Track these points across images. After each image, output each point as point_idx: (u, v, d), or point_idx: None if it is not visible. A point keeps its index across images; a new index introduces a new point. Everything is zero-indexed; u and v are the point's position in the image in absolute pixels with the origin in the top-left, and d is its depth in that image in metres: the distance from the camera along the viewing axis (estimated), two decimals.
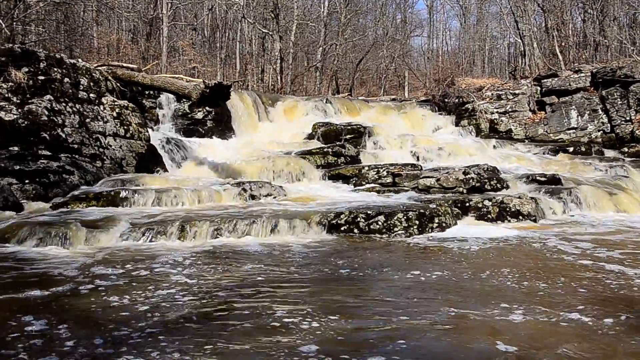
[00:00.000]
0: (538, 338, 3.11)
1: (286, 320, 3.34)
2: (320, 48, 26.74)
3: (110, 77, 11.00)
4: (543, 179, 9.79)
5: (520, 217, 7.66)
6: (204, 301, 3.73)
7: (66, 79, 9.56)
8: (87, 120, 9.60)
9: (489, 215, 7.73)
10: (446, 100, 17.78)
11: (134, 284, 4.15)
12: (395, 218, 6.74)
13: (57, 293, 3.88)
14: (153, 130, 12.00)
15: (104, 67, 11.65)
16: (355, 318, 3.40)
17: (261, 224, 6.41)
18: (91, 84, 10.15)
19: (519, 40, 23.92)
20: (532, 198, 8.11)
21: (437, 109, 17.92)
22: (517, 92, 16.88)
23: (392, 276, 4.51)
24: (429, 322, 3.33)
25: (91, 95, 10.01)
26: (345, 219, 6.72)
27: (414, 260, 5.27)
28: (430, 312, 3.52)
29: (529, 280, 4.36)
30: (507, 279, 4.42)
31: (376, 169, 10.33)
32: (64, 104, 9.25)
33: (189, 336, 3.08)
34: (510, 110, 16.73)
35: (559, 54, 19.99)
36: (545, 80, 16.67)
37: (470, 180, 9.18)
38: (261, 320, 3.35)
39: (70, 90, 9.58)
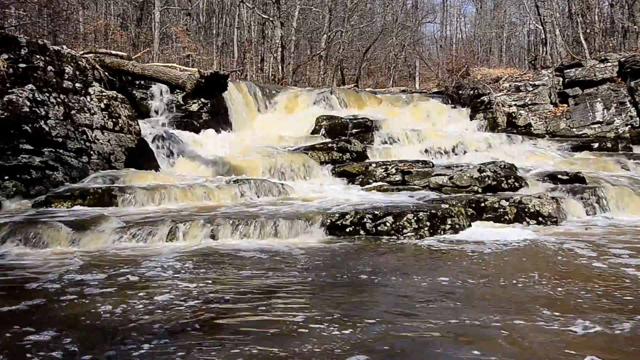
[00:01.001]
0: (562, 349, 3.09)
1: (285, 328, 3.33)
2: (325, 35, 26.72)
3: (97, 66, 11.01)
4: (565, 177, 9.75)
5: (540, 219, 7.62)
6: (196, 309, 3.71)
7: (50, 67, 9.56)
8: (73, 112, 9.60)
9: (505, 217, 7.70)
10: (460, 92, 17.75)
11: (124, 290, 4.14)
12: (405, 219, 6.72)
13: (38, 301, 3.86)
14: (144, 123, 12.00)
15: (91, 54, 11.65)
16: (360, 327, 3.38)
17: (260, 224, 6.40)
18: (77, 72, 10.15)
19: (540, 27, 23.85)
20: (552, 198, 8.08)
21: (450, 101, 17.90)
22: (537, 83, 16.83)
23: (401, 282, 4.49)
24: (441, 333, 3.31)
25: (77, 85, 10.01)
26: (350, 219, 6.71)
27: (424, 264, 5.25)
28: (443, 321, 3.50)
29: (550, 288, 4.33)
30: (527, 286, 4.39)
31: (384, 166, 10.31)
32: (47, 94, 9.25)
33: (179, 349, 3.06)
34: (529, 103, 16.68)
35: (583, 41, 19.92)
36: (568, 70, 16.62)
37: (486, 179, 9.15)
38: (259, 328, 3.33)
39: (54, 80, 9.58)
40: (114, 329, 3.32)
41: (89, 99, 10.09)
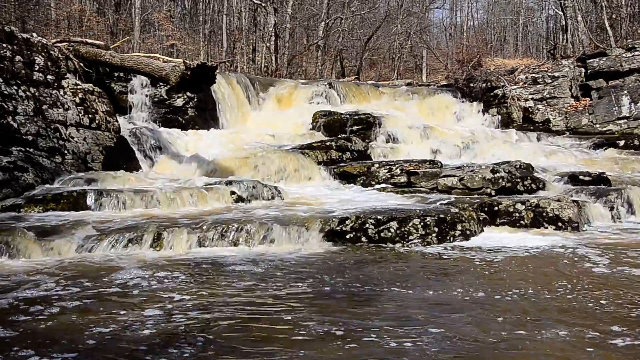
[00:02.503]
0: None
1: (282, 345, 3.35)
2: (323, 23, 26.75)
3: (71, 56, 11.02)
4: (587, 178, 9.79)
5: (560, 224, 7.65)
6: (185, 325, 3.72)
7: (18, 57, 9.57)
8: (44, 107, 9.61)
9: (521, 222, 7.73)
10: (471, 84, 17.80)
11: (104, 304, 4.13)
12: (411, 224, 6.74)
13: (11, 318, 3.86)
14: (124, 119, 12.02)
15: (64, 43, 11.66)
16: (362, 344, 3.40)
17: (252, 231, 6.42)
18: (49, 63, 10.16)
19: (560, 13, 23.92)
20: (573, 201, 8.11)
21: (460, 95, 17.95)
22: (556, 74, 16.89)
23: (405, 294, 4.50)
24: (452, 355, 3.32)
25: (49, 77, 10.03)
26: (351, 225, 6.73)
27: (432, 275, 5.26)
28: (453, 339, 3.52)
29: (571, 301, 4.36)
30: (547, 298, 4.41)
31: (388, 167, 10.34)
32: (15, 87, 9.26)
33: None
34: (548, 96, 16.74)
35: (608, 28, 19.96)
36: (592, 60, 16.68)
37: (500, 180, 9.18)
38: (255, 346, 3.35)
39: (23, 71, 9.59)
40: (98, 349, 3.33)
41: (62, 93, 10.11)
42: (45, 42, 10.53)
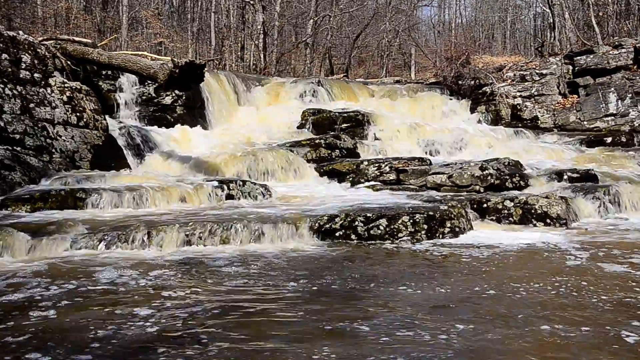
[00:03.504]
0: None
1: (270, 346, 3.35)
2: (311, 20, 26.74)
3: (59, 54, 10.96)
4: (575, 175, 9.85)
5: (548, 221, 7.71)
6: (177, 325, 3.72)
7: (4, 56, 9.51)
8: (31, 105, 9.56)
9: (510, 218, 7.78)
10: (460, 82, 17.86)
11: (91, 304, 4.12)
12: (400, 222, 6.77)
13: None
14: (112, 118, 11.97)
15: (51, 41, 11.61)
16: (352, 344, 3.40)
17: (241, 229, 6.42)
18: (35, 61, 10.11)
19: (547, 10, 24.03)
20: (562, 198, 8.17)
21: (449, 92, 18.01)
22: (544, 72, 16.97)
23: (396, 292, 4.52)
24: (443, 347, 3.34)
25: (35, 75, 9.97)
26: (340, 223, 6.74)
27: (422, 272, 5.28)
28: (445, 334, 3.54)
29: (560, 298, 4.39)
30: (538, 295, 4.44)
31: (377, 164, 10.37)
32: (1, 86, 9.21)
33: None
34: (536, 93, 16.82)
35: (595, 25, 20.08)
36: (579, 57, 16.78)
37: (489, 177, 9.23)
38: (241, 348, 3.35)
39: (10, 69, 9.53)
40: (90, 350, 3.32)
41: (49, 91, 10.05)
42: (31, 40, 10.47)
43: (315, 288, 4.61)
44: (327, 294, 4.46)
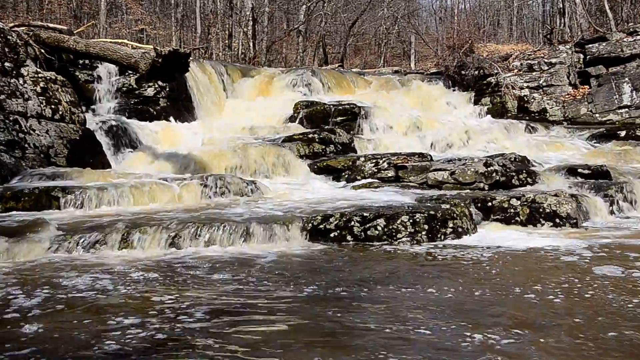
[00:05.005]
0: None
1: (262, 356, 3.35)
2: (304, 6, 26.72)
3: (31, 41, 10.91)
4: (586, 171, 9.87)
5: (557, 220, 7.72)
6: (155, 335, 3.70)
7: None
8: (2, 97, 9.52)
9: (517, 218, 7.78)
10: (463, 72, 17.89)
11: (68, 312, 4.10)
12: (399, 222, 6.77)
13: None
14: (90, 111, 11.93)
15: (23, 28, 11.55)
16: (347, 354, 3.40)
17: (229, 229, 6.40)
18: (6, 49, 10.06)
19: None
20: (572, 196, 8.18)
21: (451, 83, 18.04)
22: (553, 61, 17.01)
23: (394, 296, 4.52)
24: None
25: (6, 64, 9.92)
26: (335, 223, 6.74)
27: (422, 276, 5.28)
28: (450, 342, 3.54)
29: (569, 303, 4.40)
30: (544, 300, 4.45)
31: (374, 160, 10.36)
32: None
33: None
34: (544, 84, 16.85)
35: (608, 11, 20.13)
36: (591, 45, 16.79)
37: (494, 174, 9.23)
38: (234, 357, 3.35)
39: None
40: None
41: (21, 82, 10.01)
42: (1, 27, 10.42)
43: (307, 293, 4.60)
44: (320, 300, 4.44)
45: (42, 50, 11.04)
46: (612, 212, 8.55)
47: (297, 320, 3.95)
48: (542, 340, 3.55)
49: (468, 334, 3.64)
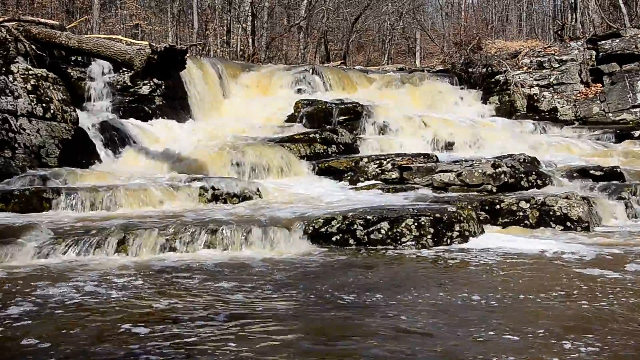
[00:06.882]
0: None
1: None
2: (305, 1, 26.73)
3: (21, 37, 10.92)
4: (599, 173, 9.86)
5: (568, 224, 7.72)
6: (154, 342, 3.70)
7: None
8: None
9: (526, 221, 7.78)
10: (470, 70, 17.88)
11: (59, 320, 4.10)
12: (404, 225, 6.77)
13: None
14: (83, 110, 11.94)
15: (13, 23, 11.56)
16: None
17: (227, 233, 6.41)
18: None
19: None
20: (583, 198, 8.18)
21: (458, 81, 18.01)
22: (564, 58, 16.99)
23: (399, 303, 4.51)
24: None
25: None
26: (337, 226, 6.74)
27: (428, 282, 5.27)
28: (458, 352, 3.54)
29: (580, 311, 4.40)
30: (553, 309, 4.46)
31: (378, 161, 10.37)
32: None
33: None
34: (555, 82, 16.84)
35: (622, 6, 20.09)
36: (603, 41, 16.77)
37: (502, 175, 9.23)
38: None
39: None
40: None
41: (11, 79, 10.02)
42: None
43: (307, 299, 4.60)
44: (321, 306, 4.44)
45: (33, 46, 11.04)
46: (627, 216, 8.53)
47: (297, 327, 3.96)
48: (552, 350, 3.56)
49: (476, 343, 3.64)
